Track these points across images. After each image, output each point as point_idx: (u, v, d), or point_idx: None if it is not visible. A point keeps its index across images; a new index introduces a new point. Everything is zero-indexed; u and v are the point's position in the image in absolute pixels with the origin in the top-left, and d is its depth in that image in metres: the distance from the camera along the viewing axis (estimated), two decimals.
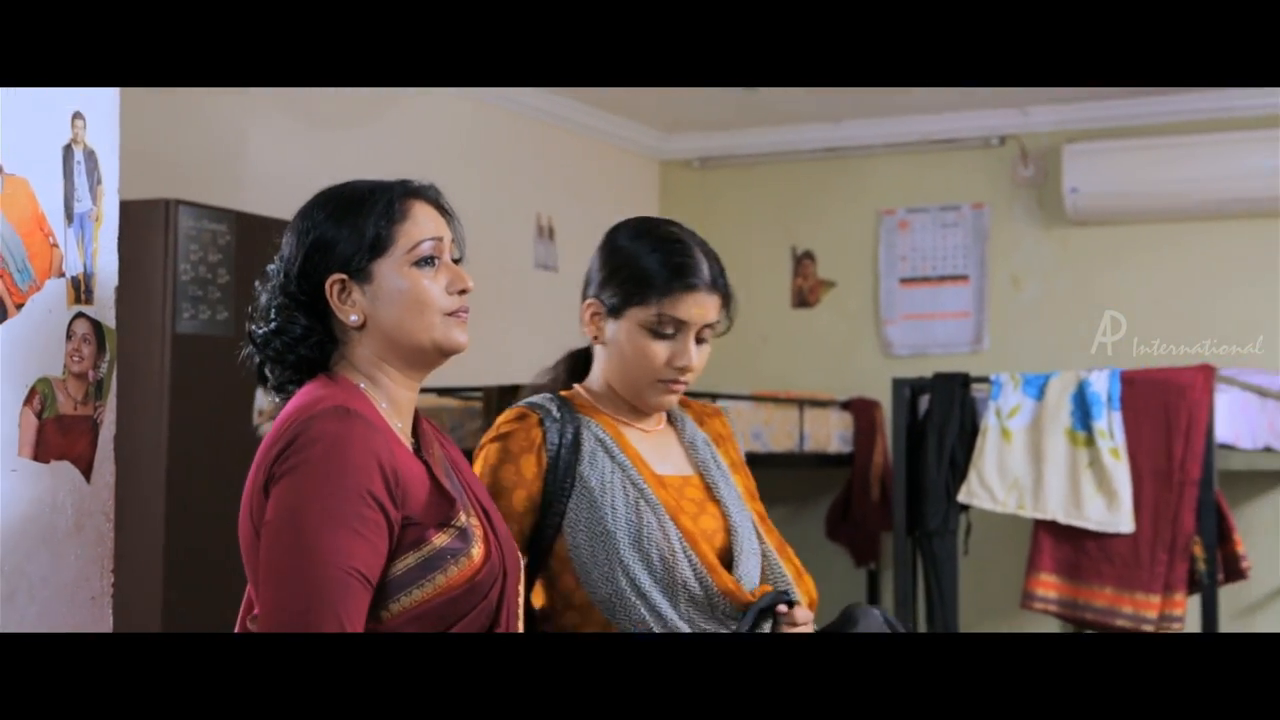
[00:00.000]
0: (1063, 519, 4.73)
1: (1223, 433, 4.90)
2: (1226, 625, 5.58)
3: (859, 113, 6.85)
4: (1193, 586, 4.71)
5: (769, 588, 2.41)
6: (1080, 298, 6.58)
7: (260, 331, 2.17)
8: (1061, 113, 6.61)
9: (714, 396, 5.68)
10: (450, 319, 2.15)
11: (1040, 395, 4.90)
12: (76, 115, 2.28)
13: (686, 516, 2.42)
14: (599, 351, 2.52)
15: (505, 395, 5.24)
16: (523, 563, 2.24)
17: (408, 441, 2.15)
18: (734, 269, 8.13)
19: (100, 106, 2.32)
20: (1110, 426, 4.75)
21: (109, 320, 2.35)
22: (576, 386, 2.55)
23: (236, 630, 2.16)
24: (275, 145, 5.12)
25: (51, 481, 2.25)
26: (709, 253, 2.51)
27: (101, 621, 2.34)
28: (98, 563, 2.33)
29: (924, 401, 5.13)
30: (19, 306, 2.19)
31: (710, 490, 2.49)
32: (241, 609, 2.16)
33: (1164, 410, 4.73)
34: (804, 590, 2.50)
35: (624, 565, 2.34)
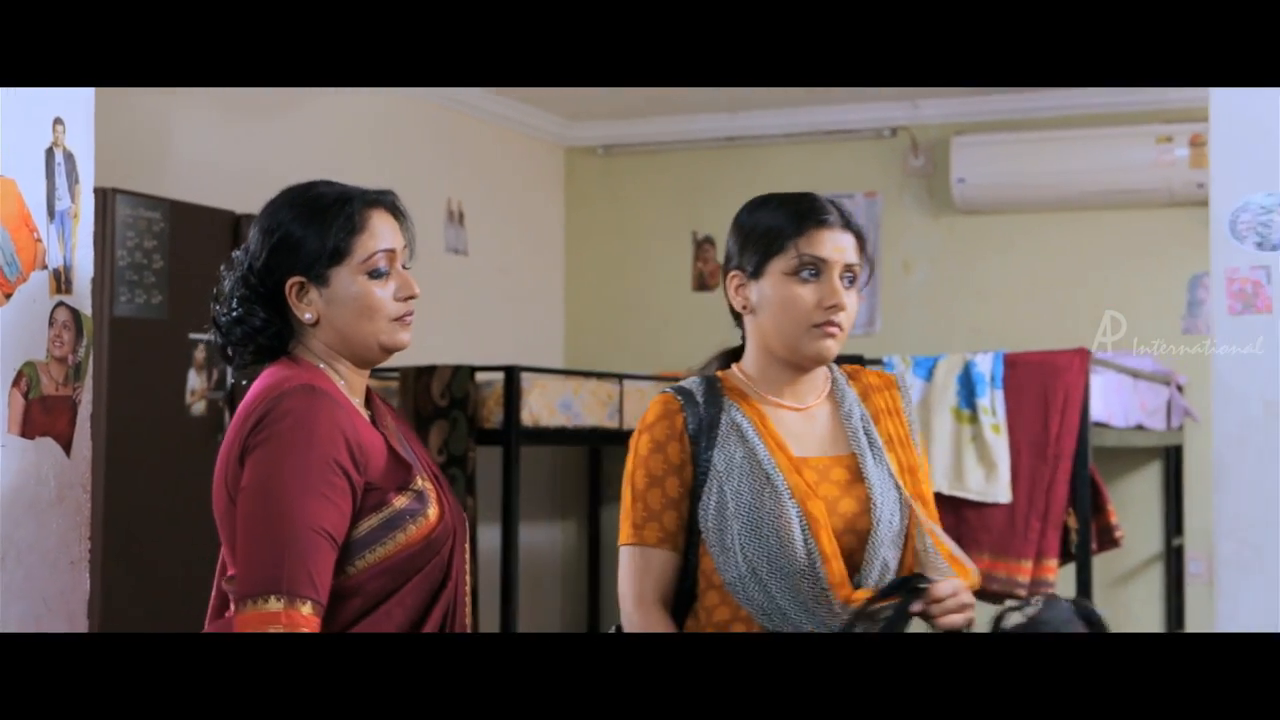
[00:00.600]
0: (946, 490, 5.02)
1: (1097, 411, 5.21)
2: (1100, 592, 5.93)
3: (757, 104, 7.10)
4: (1067, 555, 5.04)
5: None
6: (966, 283, 6.90)
7: (224, 318, 2.36)
8: (950, 106, 6.91)
9: (618, 377, 5.93)
10: (396, 323, 2.35)
11: (929, 376, 5.19)
12: (57, 120, 2.49)
13: (823, 501, 2.38)
14: (749, 324, 2.50)
15: (421, 376, 5.47)
16: (467, 522, 2.46)
17: (364, 414, 2.37)
18: (636, 253, 8.41)
19: (78, 111, 2.53)
20: (993, 404, 5.05)
21: (85, 308, 2.57)
22: (733, 366, 2.54)
23: (214, 592, 2.35)
24: (199, 136, 5.28)
25: (36, 456, 2.46)
26: (834, 201, 2.50)
27: (80, 584, 2.55)
28: (76, 530, 2.54)
29: None
30: (8, 297, 2.40)
31: (860, 470, 2.45)
32: (217, 572, 2.36)
33: (1042, 390, 5.03)
34: (963, 577, 2.42)
35: (744, 550, 2.35)
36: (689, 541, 2.43)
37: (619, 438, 5.92)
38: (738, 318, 2.53)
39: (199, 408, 4.43)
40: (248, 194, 4.95)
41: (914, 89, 6.79)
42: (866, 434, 2.48)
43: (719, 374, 2.52)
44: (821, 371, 2.52)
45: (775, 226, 2.44)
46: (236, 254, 2.38)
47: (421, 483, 2.32)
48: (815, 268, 2.41)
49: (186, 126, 5.22)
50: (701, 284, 7.40)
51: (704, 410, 2.43)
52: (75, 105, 2.52)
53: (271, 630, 2.12)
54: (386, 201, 2.38)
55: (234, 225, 4.60)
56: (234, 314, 2.34)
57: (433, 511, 2.30)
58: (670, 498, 2.41)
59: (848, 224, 2.46)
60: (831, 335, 2.42)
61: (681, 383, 2.50)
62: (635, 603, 2.42)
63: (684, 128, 7.39)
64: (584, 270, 7.62)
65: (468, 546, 2.43)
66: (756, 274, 2.45)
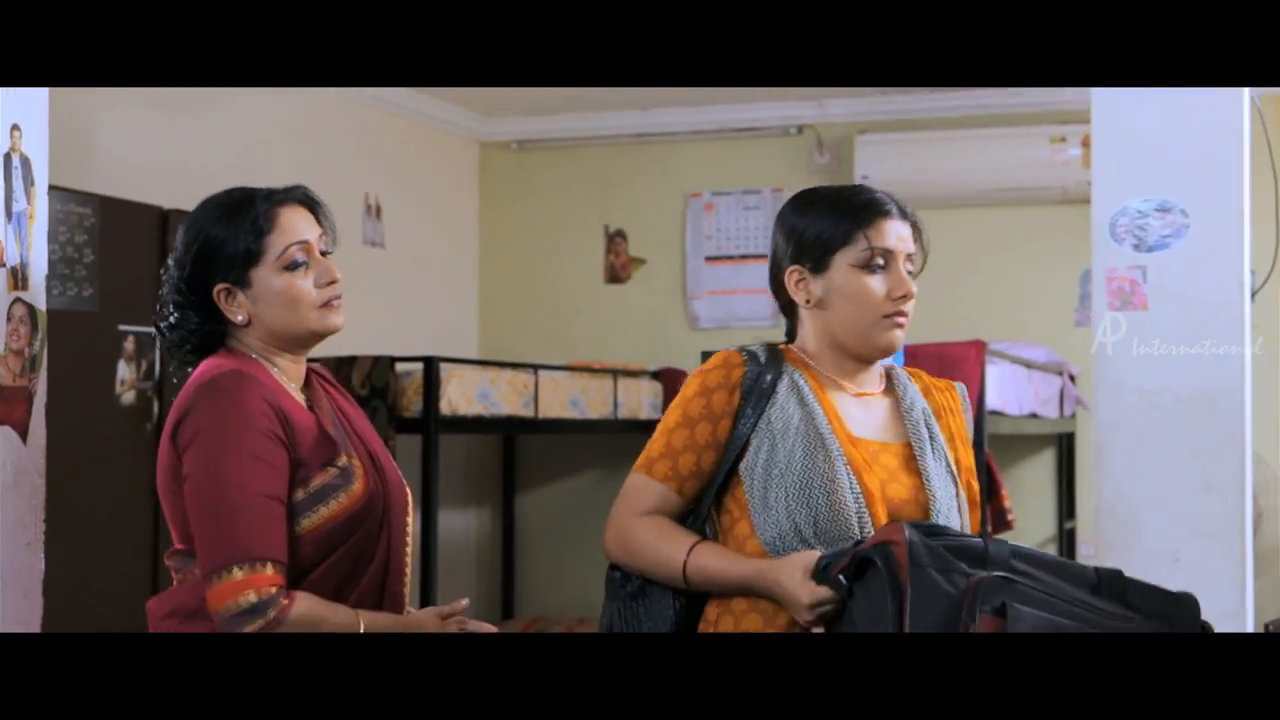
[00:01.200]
0: None
1: (993, 400, 5.45)
2: None
3: (668, 101, 7.29)
4: None
5: None
6: None
7: (163, 325, 2.51)
8: (854, 106, 7.13)
9: (533, 367, 6.11)
10: (324, 309, 2.47)
11: None
12: (14, 127, 2.63)
13: (874, 479, 2.38)
14: (810, 317, 2.48)
15: (342, 366, 5.62)
16: (410, 496, 2.59)
17: (300, 398, 2.50)
18: (549, 247, 8.59)
19: (33, 118, 2.67)
20: None
21: (40, 304, 2.71)
22: (792, 345, 2.52)
23: (169, 563, 2.49)
24: (123, 133, 5.38)
25: None
26: (885, 191, 2.51)
27: (35, 564, 2.70)
28: (32, 513, 2.69)
29: None
30: None
31: (914, 460, 2.43)
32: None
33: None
34: None
35: (789, 510, 2.33)
36: (715, 502, 2.43)
37: (534, 426, 6.11)
38: (787, 313, 2.54)
39: (129, 397, 4.56)
40: (173, 189, 5.09)
41: (819, 90, 7.00)
42: (927, 427, 2.48)
43: (781, 346, 2.51)
44: (879, 364, 2.52)
45: (840, 220, 2.44)
46: (169, 262, 2.51)
47: (346, 460, 2.45)
48: (884, 258, 2.43)
49: (111, 124, 5.32)
50: (613, 276, 7.58)
51: (765, 369, 2.43)
52: (31, 112, 2.66)
53: (242, 597, 2.26)
54: (296, 196, 2.50)
55: (161, 220, 4.73)
56: (171, 320, 2.48)
57: (357, 487, 2.43)
58: (696, 443, 2.41)
59: (904, 213, 2.49)
60: (900, 325, 2.44)
61: (748, 344, 2.49)
62: (626, 515, 2.42)
63: (596, 124, 7.55)
64: (498, 262, 7.77)
65: (410, 519, 2.58)
66: (820, 268, 2.45)
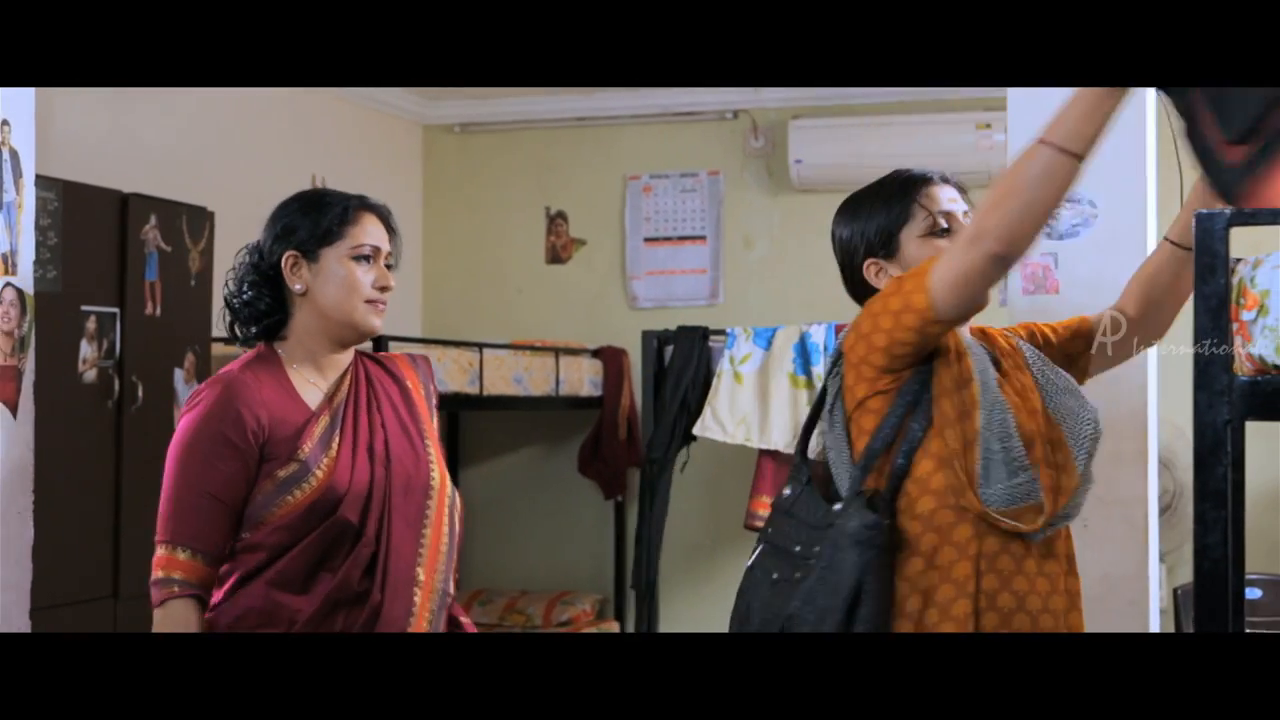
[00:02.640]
0: (783, 448, 5.49)
1: None
2: None
3: (608, 86, 7.48)
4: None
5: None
6: (803, 258, 7.34)
7: (235, 300, 2.76)
8: (788, 92, 7.32)
9: (478, 345, 6.30)
10: (369, 306, 2.74)
11: (768, 345, 5.65)
12: (4, 122, 2.81)
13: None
14: None
15: None
16: (436, 480, 2.79)
17: (317, 392, 2.72)
18: (491, 228, 8.75)
19: (21, 114, 2.85)
20: (825, 370, 5.51)
21: (29, 288, 2.90)
22: None
23: None
24: (79, 116, 5.53)
25: None
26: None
27: (25, 532, 2.89)
28: (22, 484, 2.88)
29: (669, 350, 5.85)
30: None
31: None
32: None
33: None
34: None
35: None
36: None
37: (479, 403, 6.30)
38: (859, 299, 2.61)
39: (90, 375, 4.72)
40: (129, 173, 5.24)
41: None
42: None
43: None
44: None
45: (891, 201, 2.55)
46: (249, 244, 2.79)
47: (309, 453, 2.64)
48: (946, 220, 2.53)
49: (66, 107, 5.46)
50: (554, 257, 7.76)
51: None
52: (19, 108, 2.84)
53: (156, 571, 2.57)
54: (380, 211, 2.81)
55: (121, 204, 4.88)
56: (245, 296, 2.74)
57: (317, 478, 2.64)
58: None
59: (947, 179, 2.59)
60: None
61: None
62: (957, 244, 2.43)
63: (538, 108, 7.72)
64: (441, 243, 7.94)
65: (431, 504, 2.77)
66: (892, 252, 2.55)
